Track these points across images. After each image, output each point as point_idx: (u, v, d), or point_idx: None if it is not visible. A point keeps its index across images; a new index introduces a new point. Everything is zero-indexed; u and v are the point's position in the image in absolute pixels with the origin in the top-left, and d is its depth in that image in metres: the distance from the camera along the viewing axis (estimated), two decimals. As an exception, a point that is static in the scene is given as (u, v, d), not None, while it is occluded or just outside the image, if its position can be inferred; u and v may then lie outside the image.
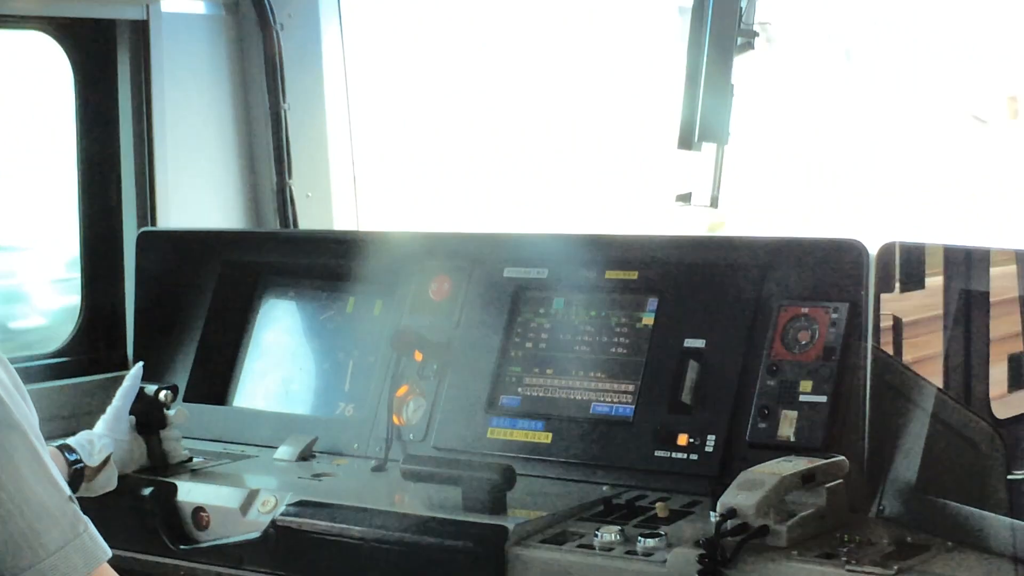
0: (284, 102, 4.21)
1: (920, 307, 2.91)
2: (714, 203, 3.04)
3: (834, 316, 2.97)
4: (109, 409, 3.26)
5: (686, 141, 3.02)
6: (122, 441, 3.21)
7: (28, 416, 2.38)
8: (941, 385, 2.82)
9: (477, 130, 4.32)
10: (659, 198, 3.36)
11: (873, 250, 2.88)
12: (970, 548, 2.55)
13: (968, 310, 2.87)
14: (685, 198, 3.07)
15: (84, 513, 2.40)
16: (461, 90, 4.40)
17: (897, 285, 2.87)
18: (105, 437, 3.17)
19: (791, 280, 3.06)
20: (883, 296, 2.88)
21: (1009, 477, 2.69)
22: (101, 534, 2.41)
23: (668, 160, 3.10)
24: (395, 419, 3.40)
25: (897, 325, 2.84)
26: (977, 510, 2.59)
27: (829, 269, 3.01)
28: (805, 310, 3.02)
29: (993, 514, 2.57)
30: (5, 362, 2.37)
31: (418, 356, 3.44)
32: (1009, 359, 2.92)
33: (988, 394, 2.89)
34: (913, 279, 2.88)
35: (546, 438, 3.25)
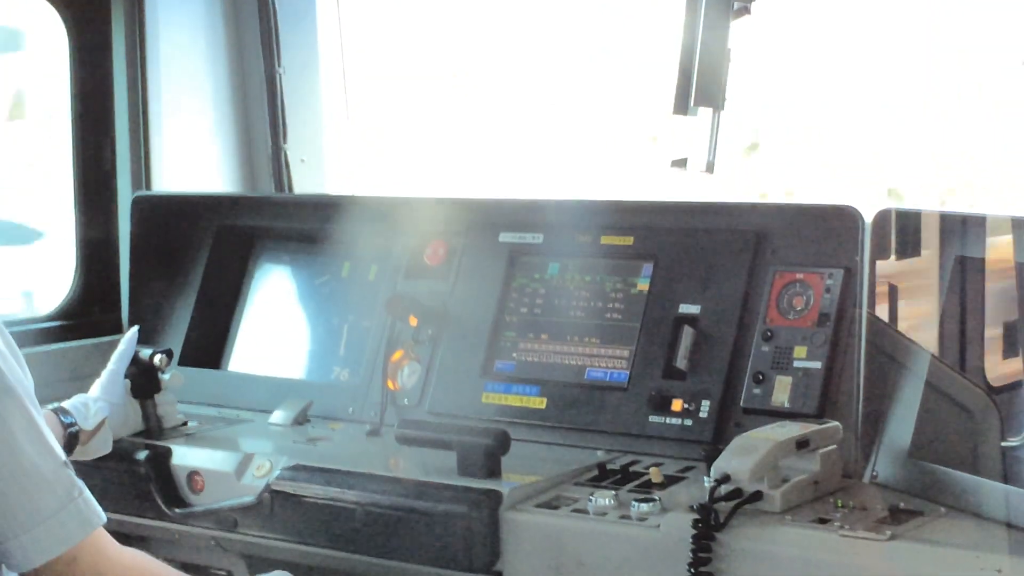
0: (279, 66, 4.20)
1: (916, 274, 2.91)
2: (710, 168, 3.03)
3: (829, 282, 2.97)
4: (104, 373, 3.26)
5: (681, 106, 3.01)
6: (117, 405, 3.21)
7: (23, 380, 2.38)
8: (936, 352, 2.83)
9: (473, 93, 4.31)
10: (657, 164, 3.34)
11: (869, 217, 2.88)
12: (963, 514, 2.56)
13: (964, 277, 2.87)
14: (681, 163, 3.06)
15: (79, 478, 2.41)
16: (457, 52, 4.38)
17: (893, 252, 2.87)
18: (100, 401, 3.17)
19: (786, 246, 3.06)
20: (879, 263, 2.88)
21: (1003, 444, 2.70)
22: (96, 498, 2.41)
23: (666, 125, 3.10)
24: (390, 384, 3.40)
25: (892, 292, 2.84)
26: (971, 476, 2.59)
27: (824, 235, 3.00)
28: (800, 276, 3.02)
29: (987, 480, 2.57)
30: (0, 326, 2.37)
31: (413, 321, 3.43)
32: (1004, 326, 2.92)
33: (983, 361, 2.89)
34: (909, 246, 2.88)
35: (541, 403, 3.25)
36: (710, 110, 3.03)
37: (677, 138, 3.08)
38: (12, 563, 2.33)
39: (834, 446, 2.75)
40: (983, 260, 2.85)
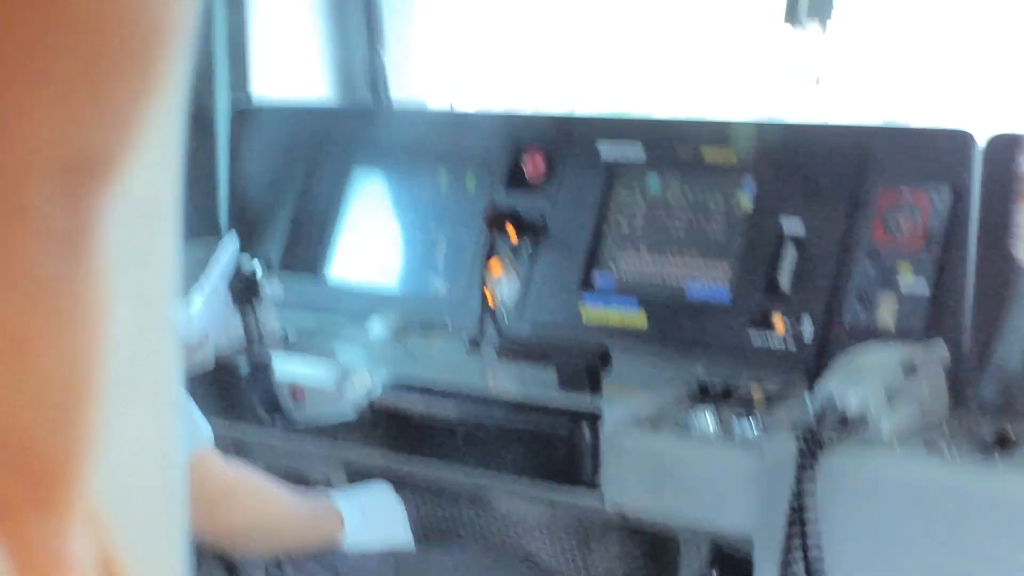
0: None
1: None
2: (817, 81, 2.98)
3: (937, 202, 2.92)
4: (204, 285, 3.27)
5: (792, 16, 2.96)
6: (218, 318, 3.23)
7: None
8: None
9: (571, 3, 4.25)
10: (760, 77, 3.29)
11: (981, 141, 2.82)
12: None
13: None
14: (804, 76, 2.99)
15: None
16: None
17: (1004, 176, 2.81)
18: (203, 315, 3.19)
19: (893, 166, 3.00)
20: (987, 185, 2.82)
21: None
22: (198, 408, 2.44)
23: (768, 38, 3.04)
24: (488, 297, 3.39)
25: (1004, 216, 2.79)
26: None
27: (935, 157, 2.95)
28: (907, 195, 2.96)
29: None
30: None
31: (512, 234, 3.42)
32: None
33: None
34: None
35: (640, 319, 3.24)
36: (819, 23, 2.97)
37: (785, 52, 3.02)
38: None
39: (941, 369, 2.71)
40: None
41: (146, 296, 0.77)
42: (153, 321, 0.78)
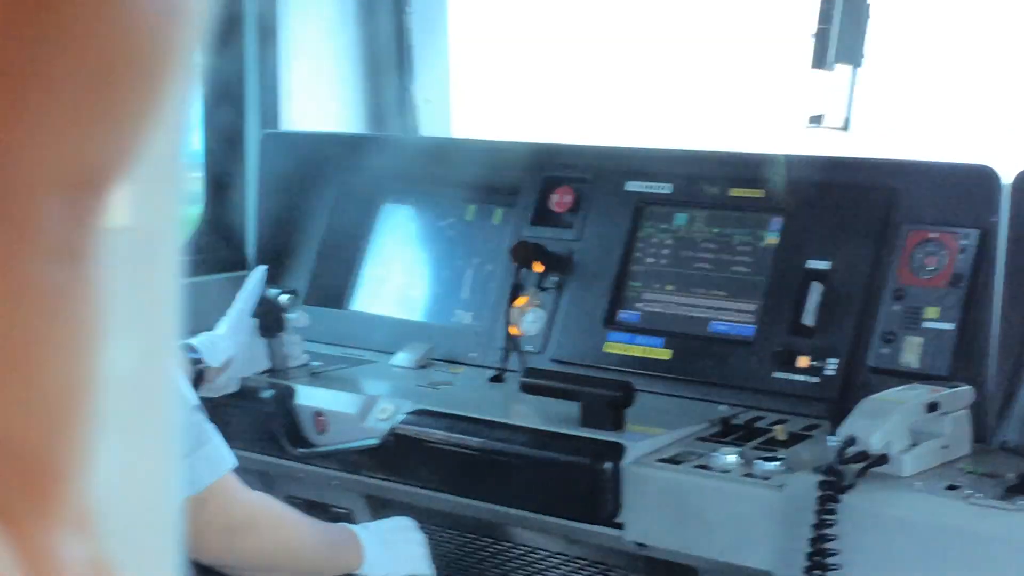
0: (408, 5, 4.18)
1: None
2: (846, 125, 2.99)
3: (964, 242, 2.92)
4: (231, 311, 3.29)
5: (820, 60, 2.96)
6: (244, 344, 3.25)
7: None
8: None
9: (602, 40, 4.27)
10: (789, 119, 3.29)
11: (1008, 178, 2.82)
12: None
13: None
14: (817, 119, 3.01)
15: (207, 416, 2.44)
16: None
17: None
18: (228, 339, 3.20)
19: (920, 204, 3.00)
20: (1015, 223, 2.82)
21: None
22: (221, 434, 2.44)
23: (799, 81, 3.05)
24: (512, 329, 3.40)
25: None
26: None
27: (960, 195, 2.94)
28: (934, 235, 2.96)
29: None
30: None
31: (538, 267, 3.43)
32: None
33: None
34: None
35: (665, 355, 3.24)
36: (849, 66, 2.98)
37: (813, 94, 3.03)
38: None
39: (965, 410, 2.70)
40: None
41: (146, 318, 0.78)
42: (152, 348, 0.80)
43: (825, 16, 2.91)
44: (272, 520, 2.52)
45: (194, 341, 3.14)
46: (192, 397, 2.41)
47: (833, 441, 2.58)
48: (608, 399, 2.88)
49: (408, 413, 3.05)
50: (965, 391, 2.71)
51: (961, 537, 2.42)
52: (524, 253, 3.44)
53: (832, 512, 2.49)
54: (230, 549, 2.45)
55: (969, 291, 2.89)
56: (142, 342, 0.78)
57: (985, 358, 2.82)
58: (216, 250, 4.10)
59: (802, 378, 3.03)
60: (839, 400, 2.92)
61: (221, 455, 2.40)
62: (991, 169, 2.87)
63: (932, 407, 2.63)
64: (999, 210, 2.85)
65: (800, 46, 3.00)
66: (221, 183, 4.10)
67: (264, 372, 3.33)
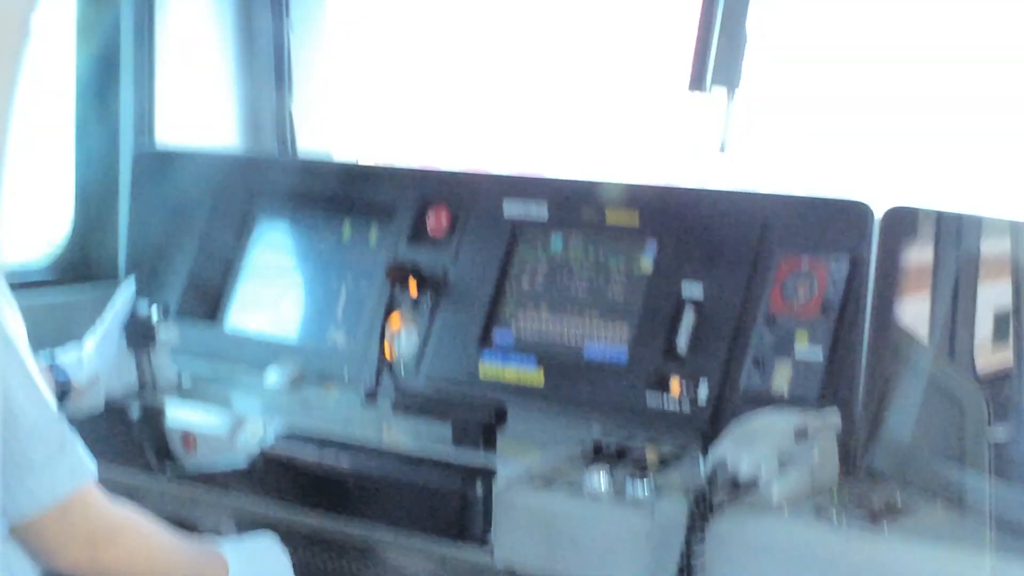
0: (287, 18, 4.15)
1: (920, 271, 2.88)
2: (722, 148, 3.00)
3: (835, 272, 2.95)
4: (98, 326, 3.23)
5: (698, 82, 2.97)
6: (111, 360, 3.18)
7: (16, 327, 2.36)
8: (931, 346, 2.81)
9: (482, 64, 4.27)
10: (665, 143, 3.32)
11: (878, 213, 2.86)
12: (960, 507, 2.54)
13: (959, 274, 2.84)
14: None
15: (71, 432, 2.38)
16: (470, 20, 4.35)
17: (898, 248, 2.84)
18: (94, 356, 3.14)
19: (793, 235, 3.04)
20: (883, 257, 2.86)
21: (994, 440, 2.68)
22: (88, 452, 2.39)
23: (678, 105, 3.06)
24: (386, 350, 3.38)
25: (894, 286, 2.82)
26: (970, 469, 2.58)
27: (833, 228, 2.98)
28: (806, 264, 2.99)
29: (984, 473, 2.56)
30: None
31: (413, 288, 3.41)
32: (995, 319, 2.89)
33: (973, 353, 2.87)
34: (915, 243, 2.86)
35: (538, 377, 3.24)
36: (725, 89, 2.99)
37: (691, 117, 3.04)
38: (7, 515, 2.31)
39: (833, 436, 2.73)
40: (978, 259, 2.82)
41: None
42: None
43: (703, 38, 2.92)
44: (136, 533, 2.47)
45: (59, 359, 3.08)
46: (53, 404, 2.35)
47: (703, 466, 2.59)
48: (480, 419, 2.87)
49: (278, 434, 3.01)
50: (833, 418, 2.73)
51: (829, 562, 2.44)
52: (399, 273, 3.42)
53: (701, 537, 2.50)
54: (92, 561, 2.39)
55: (839, 320, 2.93)
56: None
57: (853, 385, 2.85)
58: (87, 266, 4.03)
59: (674, 402, 3.04)
60: (710, 424, 2.95)
61: (83, 464, 2.34)
62: (865, 204, 2.91)
63: (800, 433, 2.65)
64: (870, 243, 2.88)
65: (680, 69, 3.02)
66: (92, 194, 4.03)
67: (131, 390, 3.26)
